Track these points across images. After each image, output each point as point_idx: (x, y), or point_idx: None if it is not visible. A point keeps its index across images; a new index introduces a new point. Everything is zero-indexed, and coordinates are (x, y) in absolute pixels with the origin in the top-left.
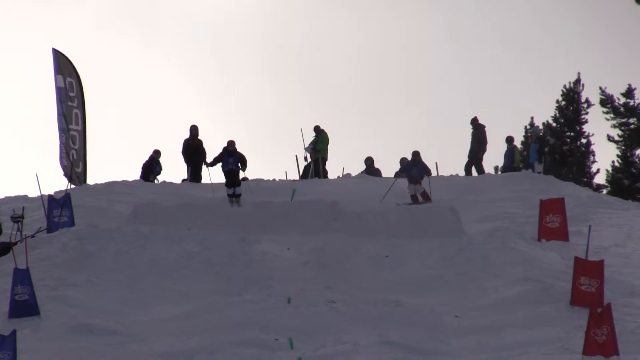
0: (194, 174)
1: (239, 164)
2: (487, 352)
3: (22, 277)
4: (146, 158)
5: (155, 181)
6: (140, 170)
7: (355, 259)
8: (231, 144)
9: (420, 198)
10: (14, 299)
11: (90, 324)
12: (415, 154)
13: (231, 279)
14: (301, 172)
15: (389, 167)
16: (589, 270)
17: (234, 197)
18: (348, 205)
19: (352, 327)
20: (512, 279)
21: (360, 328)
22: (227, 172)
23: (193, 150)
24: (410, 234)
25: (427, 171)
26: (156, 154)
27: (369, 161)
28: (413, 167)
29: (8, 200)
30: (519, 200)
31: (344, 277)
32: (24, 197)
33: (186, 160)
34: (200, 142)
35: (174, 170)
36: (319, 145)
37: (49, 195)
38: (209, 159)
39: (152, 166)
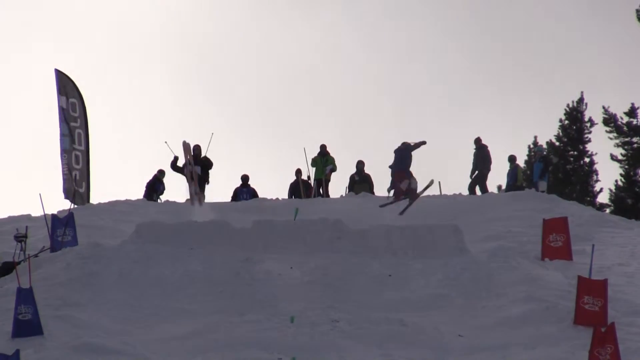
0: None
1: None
2: None
3: (25, 296)
4: (150, 177)
5: (159, 200)
6: (144, 189)
7: (358, 278)
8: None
9: (403, 191)
10: (17, 318)
11: (93, 343)
12: (402, 144)
13: (234, 298)
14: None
15: (380, 175)
16: (592, 290)
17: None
18: (351, 224)
19: (355, 346)
20: (516, 298)
21: (364, 347)
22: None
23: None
24: (413, 253)
25: (408, 151)
26: (160, 173)
27: (361, 165)
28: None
29: (11, 219)
30: (523, 219)
31: (347, 296)
32: (28, 217)
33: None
34: (205, 160)
35: (177, 189)
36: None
37: (53, 215)
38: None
39: (155, 185)
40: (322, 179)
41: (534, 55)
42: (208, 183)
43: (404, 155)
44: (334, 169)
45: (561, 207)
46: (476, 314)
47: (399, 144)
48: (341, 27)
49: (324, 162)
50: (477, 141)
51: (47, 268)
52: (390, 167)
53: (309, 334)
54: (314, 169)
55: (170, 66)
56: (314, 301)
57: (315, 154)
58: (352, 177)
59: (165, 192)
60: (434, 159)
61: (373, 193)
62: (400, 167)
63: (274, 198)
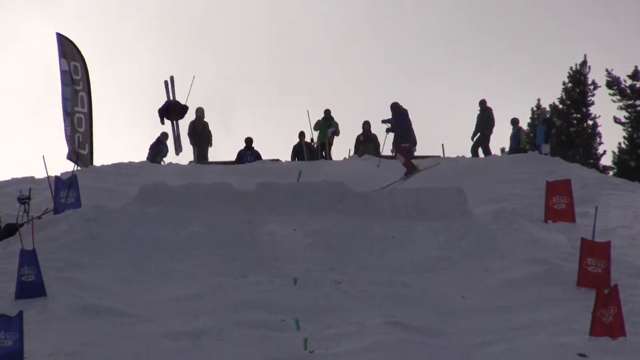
0: (200, 156)
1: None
2: (494, 333)
3: (28, 258)
4: (153, 140)
5: (162, 163)
6: (147, 151)
7: (361, 240)
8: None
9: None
10: (20, 280)
11: (97, 305)
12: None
13: (237, 260)
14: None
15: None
16: (595, 252)
17: None
18: (354, 186)
19: (358, 308)
20: (519, 260)
21: (366, 309)
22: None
23: (199, 133)
24: (416, 216)
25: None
26: (163, 136)
27: (367, 125)
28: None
29: (15, 181)
30: (526, 182)
31: (350, 258)
32: (31, 179)
33: (192, 142)
34: (206, 125)
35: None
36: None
37: (56, 177)
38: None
39: (159, 147)
40: (325, 142)
41: (538, 18)
42: (211, 145)
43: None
44: (336, 133)
45: (564, 170)
46: (479, 276)
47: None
48: None
49: (327, 126)
50: (482, 103)
51: (50, 230)
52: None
53: (312, 295)
54: (317, 132)
55: (171, 25)
56: (317, 263)
57: (319, 118)
58: (357, 138)
59: (168, 154)
60: (437, 122)
61: (379, 154)
62: (399, 136)
63: (276, 159)
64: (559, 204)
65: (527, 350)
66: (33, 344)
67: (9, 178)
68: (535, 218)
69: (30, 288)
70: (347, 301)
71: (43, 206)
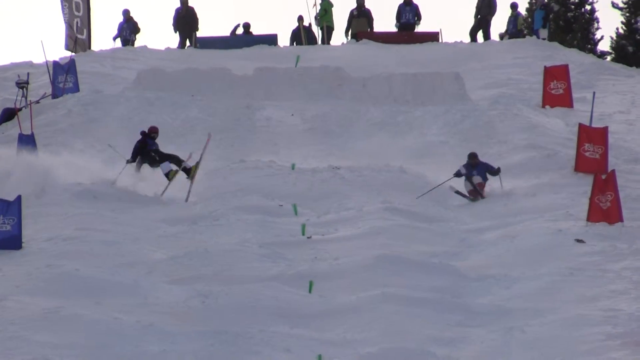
0: (184, 44)
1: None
2: (492, 219)
3: (27, 142)
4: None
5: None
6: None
7: (359, 125)
8: (153, 130)
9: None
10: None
11: (94, 190)
12: (472, 157)
13: (235, 145)
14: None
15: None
16: (593, 137)
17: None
18: (352, 71)
19: (356, 193)
20: (517, 146)
21: (364, 194)
22: (154, 151)
23: (184, 20)
24: (414, 101)
25: (494, 171)
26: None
27: (361, 0)
28: (473, 172)
29: (13, 66)
30: (524, 67)
31: (348, 143)
32: (29, 64)
33: (177, 30)
34: (190, 10)
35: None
36: (327, 16)
37: (54, 61)
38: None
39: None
40: (324, 26)
41: None
42: (197, 30)
43: (482, 169)
44: (331, 26)
45: (562, 55)
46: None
47: (470, 154)
48: None
49: (322, 12)
50: None
51: (49, 114)
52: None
53: (310, 180)
54: (317, 17)
55: None
56: (314, 148)
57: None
58: (351, 13)
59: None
60: (437, 6)
61: (372, 29)
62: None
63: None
64: (556, 89)
65: (524, 236)
66: (31, 227)
67: (7, 63)
68: (533, 103)
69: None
70: (344, 186)
71: (41, 91)
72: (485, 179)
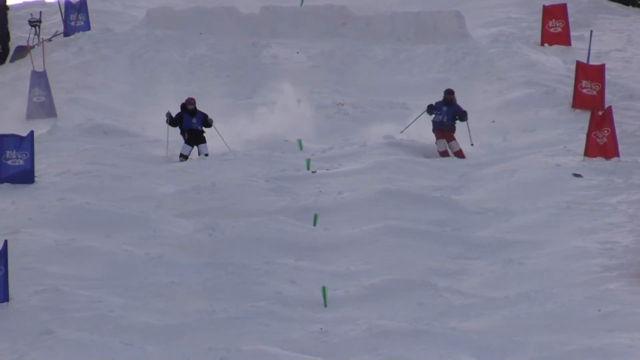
0: None
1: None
2: (491, 154)
3: (39, 79)
4: None
5: None
6: None
7: (363, 62)
8: (190, 102)
9: (451, 155)
10: (31, 100)
11: (105, 124)
12: (448, 93)
13: (241, 82)
14: None
15: None
16: (590, 74)
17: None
18: (356, 10)
19: (360, 128)
20: (516, 83)
21: (368, 130)
22: (189, 130)
23: None
24: (416, 39)
25: (461, 114)
26: None
27: None
28: (443, 108)
29: (25, 5)
30: (523, 6)
31: (352, 80)
32: (42, 2)
33: None
34: None
35: None
36: None
37: (66, 0)
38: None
39: None
40: None
41: None
42: None
43: (452, 113)
44: None
45: None
46: (477, 98)
47: (446, 90)
48: None
49: None
50: None
51: (61, 52)
52: (437, 121)
53: (314, 117)
54: None
55: None
56: (319, 85)
57: None
58: None
59: None
60: None
61: None
62: (451, 125)
63: None
64: (555, 27)
65: (523, 170)
66: (43, 162)
67: (20, 2)
68: (532, 41)
69: (41, 109)
70: (348, 122)
71: (53, 29)
72: (452, 122)
